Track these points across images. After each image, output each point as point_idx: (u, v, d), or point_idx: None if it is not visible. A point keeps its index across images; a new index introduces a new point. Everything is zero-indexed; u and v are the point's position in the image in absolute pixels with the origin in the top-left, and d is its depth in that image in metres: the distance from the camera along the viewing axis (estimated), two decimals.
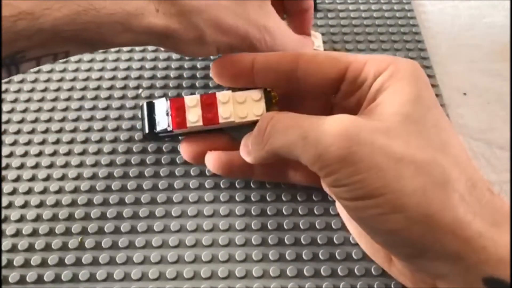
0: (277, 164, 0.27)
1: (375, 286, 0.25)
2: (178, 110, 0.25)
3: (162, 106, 0.26)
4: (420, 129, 0.21)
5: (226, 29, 0.25)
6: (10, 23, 0.19)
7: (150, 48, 0.36)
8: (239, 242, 0.27)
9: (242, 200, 0.29)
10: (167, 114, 0.25)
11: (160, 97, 0.33)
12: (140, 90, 0.34)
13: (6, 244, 0.27)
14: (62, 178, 0.29)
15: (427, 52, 0.36)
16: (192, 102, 0.25)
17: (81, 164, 0.30)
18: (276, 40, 0.27)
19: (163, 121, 0.25)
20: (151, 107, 0.26)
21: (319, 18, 0.38)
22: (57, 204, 0.28)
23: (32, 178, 0.29)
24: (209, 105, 0.25)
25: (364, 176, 0.20)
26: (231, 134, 0.28)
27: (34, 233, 0.27)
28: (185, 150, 0.28)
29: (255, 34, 0.26)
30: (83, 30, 0.21)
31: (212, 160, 0.27)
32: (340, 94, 0.25)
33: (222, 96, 0.25)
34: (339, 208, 0.27)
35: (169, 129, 0.25)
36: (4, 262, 0.26)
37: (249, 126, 0.25)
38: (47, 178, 0.29)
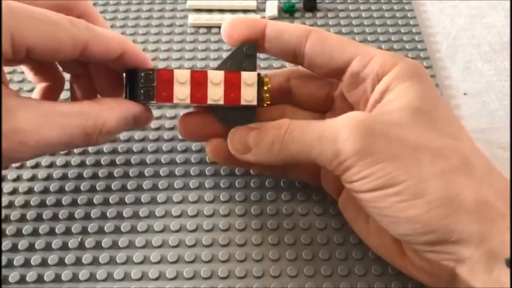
0: None
1: (375, 286, 0.25)
2: (165, 83, 0.24)
3: (148, 76, 0.24)
4: (431, 121, 0.22)
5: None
6: None
7: (150, 47, 0.36)
8: (239, 242, 0.27)
9: (242, 200, 0.29)
10: (153, 87, 0.24)
11: None
12: None
13: (7, 243, 0.27)
14: (63, 177, 0.29)
15: (427, 52, 0.36)
16: (182, 78, 0.24)
17: (81, 164, 0.30)
18: None
19: (146, 93, 0.24)
20: (134, 76, 0.25)
21: (319, 18, 0.38)
22: (57, 203, 0.28)
23: (32, 178, 0.29)
24: (199, 84, 0.24)
25: (383, 165, 0.21)
26: (216, 113, 0.26)
27: (35, 232, 0.27)
28: (183, 124, 0.28)
29: None
30: None
31: (212, 148, 0.27)
32: (344, 85, 0.25)
33: (214, 76, 0.25)
34: (343, 208, 0.27)
35: (153, 102, 0.24)
36: (4, 262, 0.26)
37: (237, 109, 0.25)
38: (47, 177, 0.29)
